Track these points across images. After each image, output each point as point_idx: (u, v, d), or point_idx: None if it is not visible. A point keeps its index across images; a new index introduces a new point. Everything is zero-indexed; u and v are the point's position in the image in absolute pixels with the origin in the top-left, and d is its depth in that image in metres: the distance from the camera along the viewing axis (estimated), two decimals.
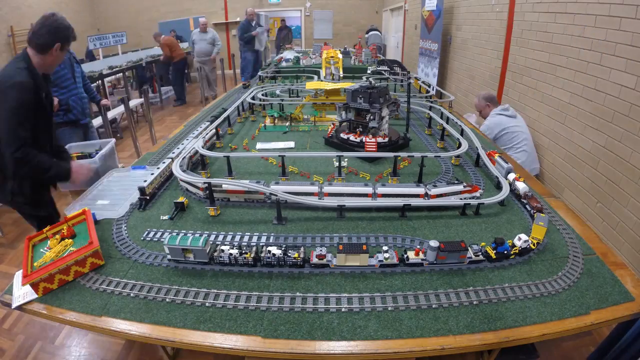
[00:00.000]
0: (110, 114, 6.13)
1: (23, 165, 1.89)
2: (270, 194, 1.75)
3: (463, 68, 5.77)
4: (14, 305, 1.34)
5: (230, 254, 1.44)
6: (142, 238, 1.66)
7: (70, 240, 1.56)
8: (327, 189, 1.80)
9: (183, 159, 2.13)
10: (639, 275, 1.47)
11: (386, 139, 2.44)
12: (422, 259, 1.44)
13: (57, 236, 1.58)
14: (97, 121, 5.61)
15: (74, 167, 2.12)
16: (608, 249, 1.61)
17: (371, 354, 1.14)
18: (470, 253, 1.46)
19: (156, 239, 1.64)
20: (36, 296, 1.35)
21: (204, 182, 1.80)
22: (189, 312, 1.27)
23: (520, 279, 1.40)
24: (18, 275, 1.44)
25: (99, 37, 8.52)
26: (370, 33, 9.03)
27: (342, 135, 2.56)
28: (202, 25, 8.38)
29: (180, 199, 1.86)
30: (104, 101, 4.07)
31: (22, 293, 1.37)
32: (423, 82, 4.40)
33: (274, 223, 1.76)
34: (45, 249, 1.53)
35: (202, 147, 2.23)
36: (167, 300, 1.32)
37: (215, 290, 1.35)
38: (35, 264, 1.40)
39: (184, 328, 1.22)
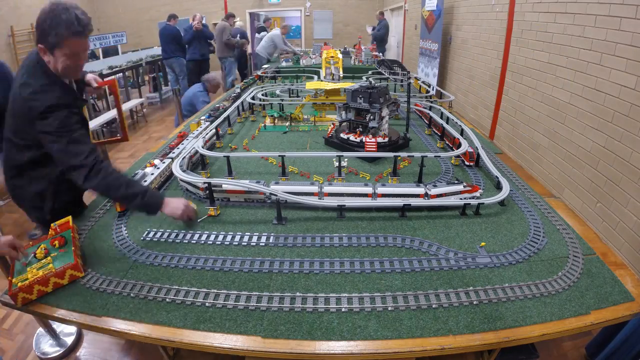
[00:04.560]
0: (110, 114, 6.13)
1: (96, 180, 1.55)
2: (270, 194, 1.75)
3: (463, 68, 5.77)
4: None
5: None
6: (142, 238, 1.66)
7: (50, 260, 1.45)
8: (327, 189, 1.80)
9: (183, 159, 2.13)
10: (639, 275, 1.47)
11: (386, 139, 2.44)
12: None
13: (43, 245, 1.53)
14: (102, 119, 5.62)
15: (166, 202, 1.66)
16: (608, 249, 1.61)
17: (371, 354, 1.14)
18: None
19: (156, 239, 1.64)
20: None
21: (204, 182, 1.80)
22: (189, 312, 1.27)
23: (520, 279, 1.40)
24: None
25: (99, 37, 8.53)
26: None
27: (342, 135, 2.56)
28: (267, 23, 9.15)
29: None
30: None
31: None
32: (423, 82, 4.40)
33: (274, 223, 1.76)
34: (32, 255, 1.48)
35: (202, 147, 2.23)
36: (167, 300, 1.32)
37: (215, 290, 1.35)
38: (14, 280, 1.35)
39: (184, 328, 1.22)
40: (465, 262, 1.48)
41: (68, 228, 1.63)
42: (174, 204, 1.65)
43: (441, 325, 1.21)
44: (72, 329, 2.39)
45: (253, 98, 3.54)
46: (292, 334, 1.19)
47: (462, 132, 2.53)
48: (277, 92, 3.92)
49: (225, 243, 1.62)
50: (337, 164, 2.15)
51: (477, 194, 1.86)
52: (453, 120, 2.82)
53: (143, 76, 8.99)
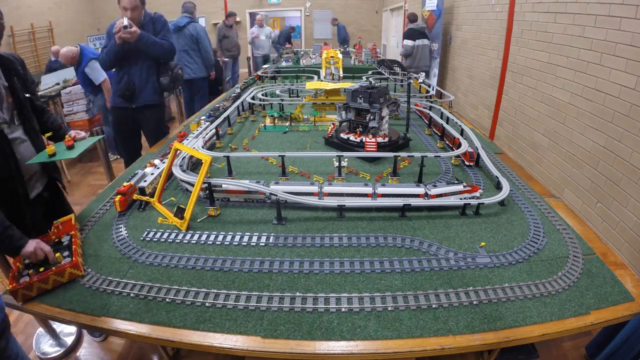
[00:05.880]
0: None
1: None
2: (270, 194, 1.75)
3: (463, 68, 5.77)
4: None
5: None
6: (141, 238, 1.66)
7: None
8: (327, 189, 1.80)
9: (183, 159, 2.13)
10: (639, 275, 1.47)
11: (386, 139, 2.43)
12: None
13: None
14: None
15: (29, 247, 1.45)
16: (608, 249, 1.61)
17: (371, 354, 1.14)
18: None
19: (156, 239, 1.64)
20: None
21: (204, 182, 1.80)
22: (188, 312, 1.27)
23: (520, 279, 1.40)
24: None
25: (98, 37, 8.54)
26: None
27: (342, 135, 2.56)
28: (259, 21, 8.83)
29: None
30: None
31: None
32: (423, 82, 4.40)
33: (274, 223, 1.76)
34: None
35: (202, 147, 2.23)
36: (167, 300, 1.32)
37: (215, 290, 1.35)
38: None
39: (183, 328, 1.22)
40: (465, 262, 1.48)
41: (71, 226, 1.64)
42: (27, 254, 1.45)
43: (441, 325, 1.21)
44: (72, 329, 2.39)
45: (253, 98, 3.54)
46: (292, 334, 1.19)
47: (462, 132, 2.53)
48: (277, 92, 3.92)
49: (225, 243, 1.62)
50: (337, 164, 2.15)
51: (477, 194, 1.86)
52: (453, 120, 2.82)
53: None
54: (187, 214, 1.70)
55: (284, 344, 1.17)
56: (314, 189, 1.80)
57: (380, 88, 2.44)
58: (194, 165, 2.31)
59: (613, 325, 1.62)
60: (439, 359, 1.74)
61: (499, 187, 2.00)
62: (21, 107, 1.84)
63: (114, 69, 3.25)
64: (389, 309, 1.27)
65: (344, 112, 2.62)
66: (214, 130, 2.65)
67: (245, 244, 1.61)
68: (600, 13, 2.91)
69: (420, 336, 1.18)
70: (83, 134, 2.02)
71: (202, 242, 1.62)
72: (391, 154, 2.10)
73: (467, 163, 2.31)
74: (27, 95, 1.88)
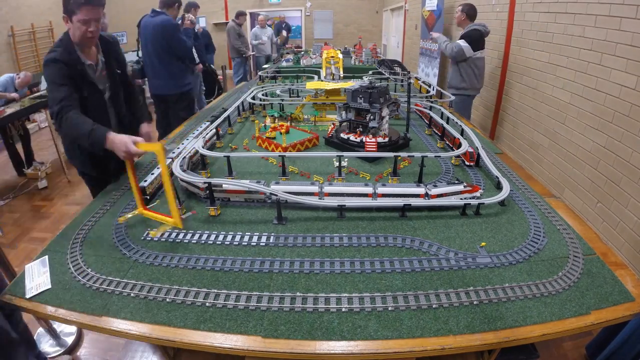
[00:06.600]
0: None
1: (59, 124, 1.94)
2: (271, 194, 1.75)
3: None
4: (28, 296, 1.35)
5: None
6: (142, 238, 1.66)
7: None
8: (327, 189, 1.80)
9: (183, 159, 2.13)
10: (639, 275, 1.47)
11: (386, 139, 2.44)
12: None
13: None
14: None
15: (110, 138, 1.82)
16: (608, 249, 1.61)
17: (371, 354, 1.14)
18: None
19: (156, 239, 1.65)
20: (49, 287, 1.38)
21: (204, 182, 1.80)
22: (189, 312, 1.27)
23: (520, 279, 1.40)
24: (28, 268, 1.46)
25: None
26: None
27: (342, 135, 2.56)
28: (261, 22, 8.81)
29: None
30: None
31: (35, 284, 1.38)
32: (423, 82, 4.40)
33: (274, 223, 1.76)
34: None
35: (202, 147, 2.23)
36: (167, 300, 1.32)
37: (215, 290, 1.35)
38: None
39: (184, 328, 1.22)
40: (466, 262, 1.48)
41: None
42: (116, 146, 1.77)
43: (441, 325, 1.21)
44: (72, 329, 2.39)
45: (253, 98, 3.54)
46: (292, 334, 1.19)
47: (462, 132, 2.53)
48: (278, 92, 3.92)
49: (226, 243, 1.62)
50: (337, 164, 2.15)
51: (478, 194, 1.86)
52: (453, 120, 2.81)
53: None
54: (172, 209, 1.66)
55: (285, 343, 1.17)
56: (314, 189, 1.80)
57: (380, 88, 2.44)
58: (194, 165, 2.31)
59: (613, 325, 1.62)
60: (439, 359, 1.74)
61: (499, 187, 2.00)
62: (112, 80, 2.21)
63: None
64: (389, 309, 1.27)
65: (344, 112, 2.62)
66: (214, 130, 2.65)
67: (246, 244, 1.61)
68: (600, 13, 2.91)
69: (421, 336, 1.18)
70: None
71: (202, 242, 1.62)
72: (391, 154, 2.10)
73: (467, 163, 2.31)
74: (118, 71, 2.23)
